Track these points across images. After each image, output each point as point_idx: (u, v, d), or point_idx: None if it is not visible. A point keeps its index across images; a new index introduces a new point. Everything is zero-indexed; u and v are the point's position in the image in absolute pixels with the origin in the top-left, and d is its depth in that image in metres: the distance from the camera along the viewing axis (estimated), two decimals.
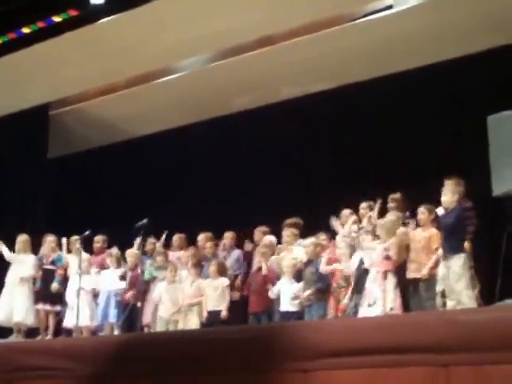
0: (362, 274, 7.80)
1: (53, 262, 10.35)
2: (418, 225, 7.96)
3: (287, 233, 9.07)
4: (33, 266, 10.32)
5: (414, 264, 7.62)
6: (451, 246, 7.27)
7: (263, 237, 9.42)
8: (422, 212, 7.79)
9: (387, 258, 7.60)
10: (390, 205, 8.22)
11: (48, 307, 10.19)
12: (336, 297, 8.19)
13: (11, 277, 10.32)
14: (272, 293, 8.72)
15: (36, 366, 7.33)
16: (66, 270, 10.33)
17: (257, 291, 8.93)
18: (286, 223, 9.25)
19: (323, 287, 8.29)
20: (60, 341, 9.07)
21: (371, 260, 7.73)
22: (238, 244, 9.97)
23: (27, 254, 10.37)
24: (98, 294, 10.04)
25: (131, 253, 10.00)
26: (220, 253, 9.85)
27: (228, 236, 9.91)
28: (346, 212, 8.77)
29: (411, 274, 7.60)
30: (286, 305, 8.53)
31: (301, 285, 8.49)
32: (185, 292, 9.37)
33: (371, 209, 8.47)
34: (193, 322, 9.12)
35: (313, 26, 10.46)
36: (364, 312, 7.45)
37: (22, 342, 9.67)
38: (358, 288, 7.78)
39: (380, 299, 7.41)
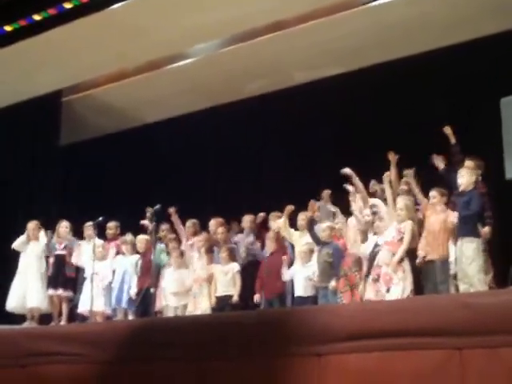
0: (375, 256, 7.77)
1: (65, 248, 10.40)
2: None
3: (302, 217, 9.06)
4: (44, 246, 10.39)
5: (431, 246, 7.51)
6: (465, 228, 7.24)
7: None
8: (434, 196, 7.74)
9: (402, 240, 7.57)
10: (403, 187, 8.19)
11: (60, 292, 10.23)
12: (348, 280, 8.15)
13: (23, 264, 10.37)
14: (286, 274, 8.74)
15: (51, 352, 7.39)
16: (70, 254, 10.38)
17: (269, 276, 8.93)
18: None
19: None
20: (75, 326, 9.11)
21: (384, 237, 7.72)
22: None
23: (37, 241, 10.43)
24: (112, 279, 10.07)
25: (142, 239, 10.04)
26: (238, 236, 9.84)
27: (247, 219, 9.79)
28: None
29: (428, 256, 7.49)
30: (300, 290, 8.54)
31: (315, 268, 8.49)
32: (195, 274, 9.40)
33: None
34: (203, 305, 9.13)
35: (324, 10, 10.42)
36: (381, 296, 7.41)
37: (37, 327, 9.72)
38: (370, 269, 7.78)
39: (398, 285, 7.38)
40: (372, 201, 8.38)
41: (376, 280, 7.54)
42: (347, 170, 8.65)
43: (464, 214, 7.28)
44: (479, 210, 7.33)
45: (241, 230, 9.93)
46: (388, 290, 7.39)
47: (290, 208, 8.97)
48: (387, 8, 10.22)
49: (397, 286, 7.36)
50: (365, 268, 7.96)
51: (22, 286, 10.25)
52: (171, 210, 9.91)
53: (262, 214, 9.69)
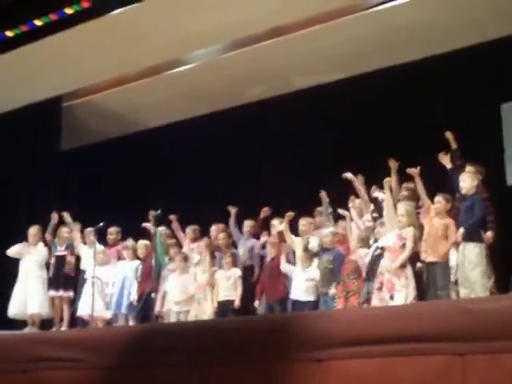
0: (375, 260, 7.76)
1: (66, 249, 10.40)
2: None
3: (303, 222, 9.08)
4: (45, 252, 10.40)
5: (431, 249, 7.48)
6: (468, 233, 7.25)
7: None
8: (439, 201, 7.71)
9: (404, 246, 7.55)
10: (404, 193, 8.18)
11: (61, 293, 10.22)
12: (345, 287, 8.13)
13: (24, 270, 10.36)
14: (285, 267, 8.79)
15: (52, 357, 7.37)
16: (72, 253, 10.37)
17: (270, 281, 8.95)
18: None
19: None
20: (75, 332, 9.10)
21: (384, 242, 7.71)
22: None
23: (38, 246, 10.43)
24: (113, 284, 10.06)
25: (142, 244, 10.04)
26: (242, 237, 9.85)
27: (248, 224, 9.88)
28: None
29: (428, 257, 7.48)
30: (300, 294, 8.55)
31: (314, 272, 8.50)
32: (196, 280, 9.40)
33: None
34: (207, 310, 9.16)
35: (325, 15, 10.43)
36: (385, 304, 7.38)
37: (38, 333, 9.71)
38: (370, 275, 7.76)
39: (401, 292, 7.38)
40: (380, 196, 8.36)
41: (380, 288, 7.52)
42: (348, 175, 8.67)
43: (468, 220, 7.28)
44: (483, 215, 7.33)
45: (239, 226, 10.00)
46: (391, 297, 7.37)
47: (289, 215, 8.99)
48: (388, 14, 10.22)
49: (400, 293, 7.35)
50: (363, 274, 7.97)
51: (22, 293, 10.23)
52: (172, 217, 9.94)
53: (266, 209, 9.72)
